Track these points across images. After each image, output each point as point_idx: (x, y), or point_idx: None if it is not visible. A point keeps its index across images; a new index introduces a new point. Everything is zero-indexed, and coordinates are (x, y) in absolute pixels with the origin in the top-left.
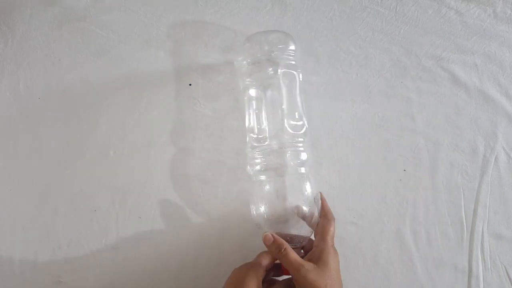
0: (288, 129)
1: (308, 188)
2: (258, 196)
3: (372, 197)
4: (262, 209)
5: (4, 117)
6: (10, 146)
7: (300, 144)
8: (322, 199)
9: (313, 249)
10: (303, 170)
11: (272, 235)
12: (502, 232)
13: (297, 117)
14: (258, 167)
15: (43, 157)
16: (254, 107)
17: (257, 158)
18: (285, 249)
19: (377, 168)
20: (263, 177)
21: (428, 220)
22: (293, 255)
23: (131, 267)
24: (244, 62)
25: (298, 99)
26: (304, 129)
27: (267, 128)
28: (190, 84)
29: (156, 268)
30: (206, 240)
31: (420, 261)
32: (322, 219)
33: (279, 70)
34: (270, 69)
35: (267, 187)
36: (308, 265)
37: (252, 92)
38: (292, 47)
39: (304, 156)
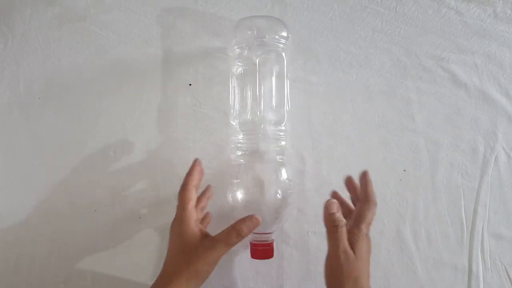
0: (270, 116)
1: (284, 176)
2: (235, 180)
3: None
4: (238, 193)
5: (4, 117)
6: (10, 146)
7: (282, 133)
8: (367, 180)
9: (348, 235)
10: (281, 158)
11: (338, 206)
12: (502, 232)
13: (279, 104)
14: (238, 152)
15: (43, 157)
16: (239, 91)
17: (238, 142)
18: (342, 227)
19: (377, 168)
20: (241, 161)
21: (428, 220)
22: (345, 239)
23: (131, 267)
24: (234, 45)
25: (283, 87)
26: (285, 117)
27: (250, 113)
28: (190, 84)
29: (156, 268)
30: None
31: (420, 261)
32: (362, 203)
33: (265, 56)
34: (258, 53)
35: (245, 171)
36: (350, 254)
37: (238, 76)
38: (283, 33)
39: (283, 144)
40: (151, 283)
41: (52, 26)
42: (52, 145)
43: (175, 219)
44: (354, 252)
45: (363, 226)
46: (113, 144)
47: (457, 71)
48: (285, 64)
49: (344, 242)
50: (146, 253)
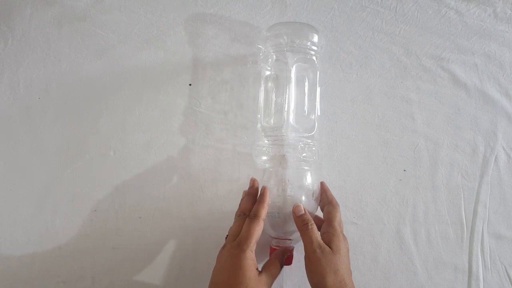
0: (298, 122)
1: (309, 183)
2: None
3: (372, 197)
4: None
5: (4, 117)
6: (10, 146)
7: (310, 140)
8: (325, 188)
9: (323, 235)
10: (307, 165)
11: (304, 208)
12: (502, 232)
13: (308, 111)
14: (264, 156)
15: (43, 157)
16: (269, 96)
17: (264, 147)
18: (311, 224)
19: (377, 168)
20: (267, 166)
21: (428, 220)
22: (317, 234)
23: (131, 267)
24: (264, 50)
25: (313, 93)
26: (315, 126)
27: (279, 119)
28: (190, 84)
29: (156, 268)
30: (207, 240)
31: (420, 261)
32: (327, 206)
33: (297, 64)
34: (290, 61)
35: (269, 176)
36: (325, 248)
37: (269, 82)
38: (314, 40)
39: (311, 152)
40: (150, 283)
41: (52, 26)
42: (52, 145)
43: (234, 248)
44: (330, 248)
45: (336, 224)
46: (113, 144)
47: (457, 71)
48: (317, 71)
49: (317, 237)
50: (146, 253)
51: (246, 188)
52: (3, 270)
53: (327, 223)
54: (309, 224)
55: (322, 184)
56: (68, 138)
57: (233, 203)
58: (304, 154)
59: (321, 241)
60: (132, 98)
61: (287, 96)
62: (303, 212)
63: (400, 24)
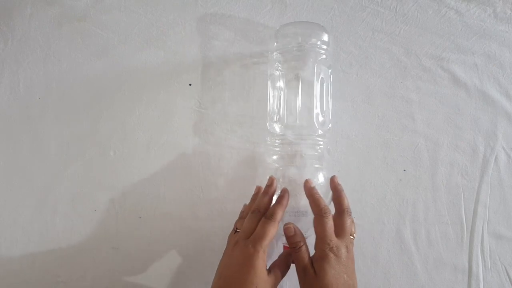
0: (311, 122)
1: (320, 182)
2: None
3: (372, 197)
4: (274, 197)
5: (4, 117)
6: (10, 146)
7: (320, 139)
8: (308, 188)
9: (315, 251)
10: (318, 164)
11: (294, 228)
12: (502, 232)
13: (320, 111)
14: (275, 155)
15: (43, 157)
16: (280, 96)
17: (276, 146)
18: (299, 248)
19: (377, 168)
20: (277, 165)
21: (428, 220)
22: (303, 256)
23: (131, 267)
24: (275, 51)
25: (325, 94)
26: (328, 125)
27: (289, 118)
28: (190, 84)
29: (155, 268)
30: (206, 240)
31: (420, 261)
32: (314, 217)
33: (309, 63)
34: (300, 61)
35: (281, 176)
36: (309, 272)
37: (280, 81)
38: (326, 41)
39: (322, 151)
40: (150, 283)
41: (52, 26)
42: (52, 145)
43: (248, 247)
44: (318, 270)
45: (326, 242)
46: (113, 144)
47: (457, 71)
48: (329, 70)
49: (304, 261)
50: (146, 253)
51: (246, 187)
52: (3, 270)
53: (317, 239)
54: (297, 247)
55: (306, 182)
56: (68, 138)
57: (233, 203)
58: (316, 154)
59: (307, 263)
60: (132, 98)
61: (297, 96)
62: (292, 233)
63: (400, 24)
